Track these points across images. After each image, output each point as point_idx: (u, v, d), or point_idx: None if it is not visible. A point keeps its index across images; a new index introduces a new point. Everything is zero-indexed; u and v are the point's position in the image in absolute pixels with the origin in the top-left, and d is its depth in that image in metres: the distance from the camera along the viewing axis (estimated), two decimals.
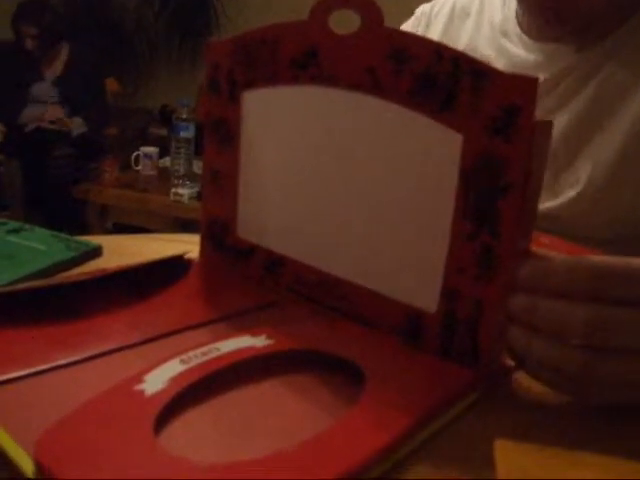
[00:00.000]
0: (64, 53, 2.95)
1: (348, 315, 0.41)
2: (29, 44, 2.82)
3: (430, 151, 0.36)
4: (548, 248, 0.54)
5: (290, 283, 0.45)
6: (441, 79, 0.35)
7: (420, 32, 0.81)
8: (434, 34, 0.80)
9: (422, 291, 0.38)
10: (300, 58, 0.40)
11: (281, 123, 0.43)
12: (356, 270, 0.41)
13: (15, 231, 0.56)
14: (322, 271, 0.43)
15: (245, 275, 0.47)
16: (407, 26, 0.85)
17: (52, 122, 2.84)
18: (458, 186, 0.35)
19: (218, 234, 0.49)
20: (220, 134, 0.46)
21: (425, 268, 0.37)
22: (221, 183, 0.47)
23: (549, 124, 0.35)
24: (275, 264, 0.46)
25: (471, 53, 0.79)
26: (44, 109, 2.86)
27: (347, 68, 0.38)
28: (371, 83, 0.37)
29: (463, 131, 0.34)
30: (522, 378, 0.38)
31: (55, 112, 2.85)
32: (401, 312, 0.39)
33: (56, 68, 2.94)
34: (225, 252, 0.49)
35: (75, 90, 2.89)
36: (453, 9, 0.79)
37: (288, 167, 0.44)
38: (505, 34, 0.74)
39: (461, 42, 0.77)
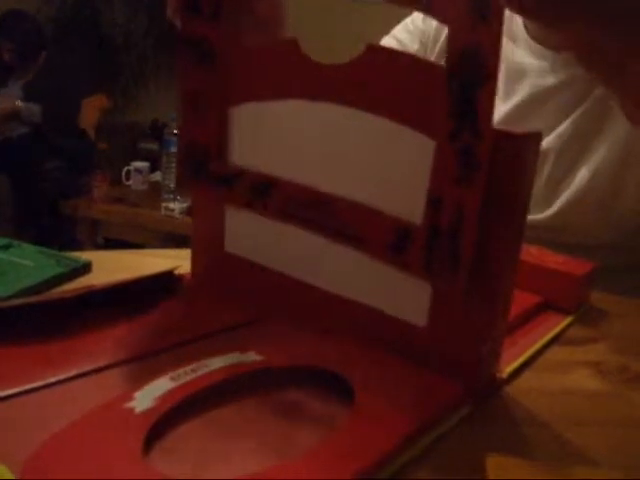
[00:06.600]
0: (41, 60, 2.90)
1: (339, 234, 0.40)
2: (7, 57, 2.80)
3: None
4: (537, 258, 0.54)
5: (280, 205, 0.43)
6: None
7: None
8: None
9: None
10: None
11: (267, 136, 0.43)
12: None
13: (3, 248, 0.55)
14: (312, 189, 0.41)
15: (230, 201, 0.45)
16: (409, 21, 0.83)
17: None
18: (446, 80, 0.34)
19: (198, 160, 0.46)
20: (199, 53, 0.44)
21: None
22: (202, 105, 0.45)
23: (538, 136, 0.35)
24: (264, 187, 0.44)
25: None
26: None
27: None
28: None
29: (449, 21, 0.33)
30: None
31: (4, 102, 2.74)
32: (390, 226, 0.38)
33: (29, 74, 2.88)
34: (207, 179, 0.46)
35: (43, 91, 2.78)
36: None
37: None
38: (512, 38, 0.73)
39: None
